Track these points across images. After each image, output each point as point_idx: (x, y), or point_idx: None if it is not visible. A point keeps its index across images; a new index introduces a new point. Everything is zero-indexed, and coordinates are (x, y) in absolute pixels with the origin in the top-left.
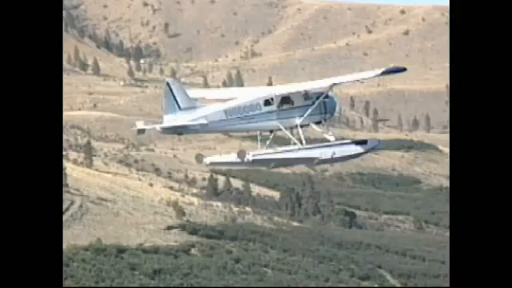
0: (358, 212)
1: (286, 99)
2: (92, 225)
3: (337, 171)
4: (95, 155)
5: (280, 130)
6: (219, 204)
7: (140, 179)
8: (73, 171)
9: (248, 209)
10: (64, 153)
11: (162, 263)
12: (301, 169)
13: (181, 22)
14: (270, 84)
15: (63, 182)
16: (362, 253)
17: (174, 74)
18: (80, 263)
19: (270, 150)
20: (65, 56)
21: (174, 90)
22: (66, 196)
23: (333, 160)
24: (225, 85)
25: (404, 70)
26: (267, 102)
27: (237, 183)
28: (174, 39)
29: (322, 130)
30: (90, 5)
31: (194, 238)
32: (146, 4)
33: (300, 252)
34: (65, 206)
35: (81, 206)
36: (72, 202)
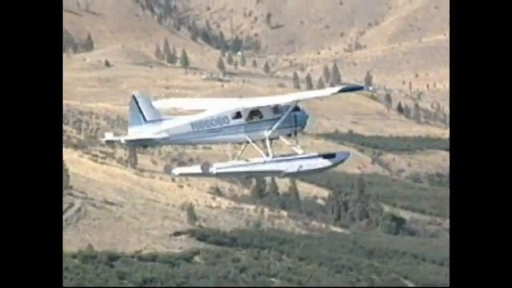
0: (419, 216)
1: (254, 112)
2: (87, 230)
3: (414, 172)
4: (144, 153)
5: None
6: (251, 207)
7: (174, 179)
8: (93, 171)
9: (283, 212)
10: (111, 150)
11: (156, 272)
12: (373, 169)
13: (284, 12)
14: (368, 78)
15: (67, 184)
16: (394, 262)
17: (267, 67)
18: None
19: (235, 163)
20: (153, 48)
21: (140, 103)
22: (66, 199)
23: (299, 173)
24: (321, 79)
25: (361, 88)
26: (235, 115)
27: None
28: (276, 30)
29: (291, 143)
30: None
31: (202, 245)
32: None
33: (318, 260)
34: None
35: (79, 209)
36: (70, 205)
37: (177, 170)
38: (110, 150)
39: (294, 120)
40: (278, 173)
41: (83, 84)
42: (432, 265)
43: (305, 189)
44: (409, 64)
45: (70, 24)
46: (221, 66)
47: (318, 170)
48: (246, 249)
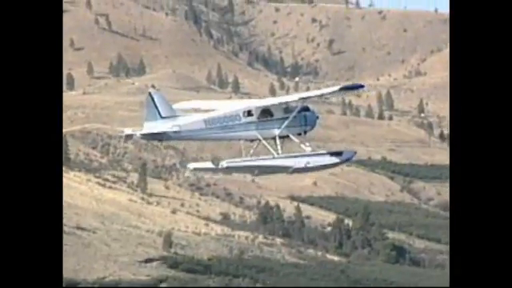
0: (433, 246)
1: (265, 111)
2: None
3: (443, 200)
4: (163, 178)
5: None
6: (245, 234)
7: (169, 203)
8: (80, 196)
9: (278, 240)
10: (124, 174)
11: None
12: (401, 197)
13: (347, 38)
14: (420, 106)
15: None
16: None
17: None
18: None
19: (245, 158)
20: (205, 73)
21: (156, 100)
22: None
23: (307, 169)
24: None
25: (362, 87)
26: (247, 114)
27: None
28: (337, 56)
29: (300, 140)
30: (260, 21)
31: (172, 273)
32: (314, 20)
33: None
34: None
35: None
36: None
37: (191, 165)
38: (123, 175)
39: (303, 120)
40: (287, 168)
41: (125, 108)
42: None
43: (318, 215)
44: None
45: (126, 49)
46: (272, 91)
47: (326, 166)
48: (218, 277)
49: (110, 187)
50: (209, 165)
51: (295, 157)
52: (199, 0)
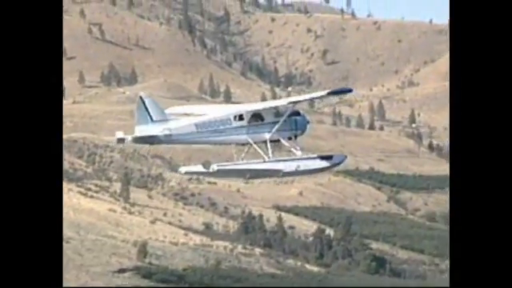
0: (417, 256)
1: (256, 115)
2: None
3: (430, 211)
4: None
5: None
6: (224, 244)
7: (152, 213)
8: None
9: (257, 250)
10: (107, 184)
11: None
12: (388, 207)
13: (342, 48)
14: (412, 116)
15: None
16: None
17: (312, 102)
18: None
19: (236, 162)
20: (197, 83)
21: (147, 104)
22: None
23: (297, 173)
24: (360, 116)
25: (350, 91)
26: (238, 118)
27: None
28: (331, 67)
29: (291, 144)
30: (256, 30)
31: (145, 283)
32: (309, 30)
33: None
34: None
35: None
36: None
37: (183, 169)
38: (107, 184)
39: (294, 124)
40: (277, 172)
41: (114, 117)
42: None
43: (302, 226)
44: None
45: (118, 58)
46: (264, 100)
47: (316, 171)
48: (192, 287)
49: (92, 196)
50: (200, 168)
51: (286, 160)
52: (195, 10)
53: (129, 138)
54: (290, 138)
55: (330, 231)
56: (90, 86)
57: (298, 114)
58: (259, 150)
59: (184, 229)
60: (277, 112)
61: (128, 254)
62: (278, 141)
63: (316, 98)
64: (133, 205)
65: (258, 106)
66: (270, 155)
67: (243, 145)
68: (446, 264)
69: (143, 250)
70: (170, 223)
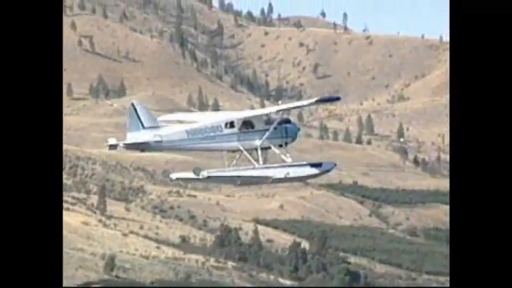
0: (395, 271)
1: (247, 123)
2: None
3: (411, 225)
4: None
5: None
6: (196, 258)
7: (128, 225)
8: None
9: (230, 263)
10: (84, 196)
11: None
12: (370, 221)
13: (333, 62)
14: (400, 131)
15: None
16: None
17: (301, 115)
18: None
19: (226, 168)
20: (186, 96)
21: (139, 111)
22: None
23: (287, 179)
24: (347, 130)
25: (338, 99)
26: (229, 125)
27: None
28: (322, 81)
29: (281, 151)
30: (248, 44)
31: None
32: (302, 44)
33: None
34: None
35: None
36: None
37: (174, 175)
38: (84, 196)
39: (284, 131)
40: (267, 178)
41: (99, 130)
42: None
43: (281, 239)
44: (448, 117)
45: (107, 70)
46: None
47: (305, 177)
48: None
49: (68, 209)
50: (190, 175)
51: (275, 167)
52: (189, 23)
53: (121, 144)
54: (280, 146)
55: (305, 245)
56: (78, 99)
57: (288, 121)
58: (249, 157)
59: (159, 242)
60: (268, 119)
61: (95, 267)
62: (269, 148)
63: (305, 105)
64: (109, 217)
65: (249, 113)
66: (261, 162)
67: (234, 152)
68: (422, 278)
69: (111, 263)
70: (145, 236)
